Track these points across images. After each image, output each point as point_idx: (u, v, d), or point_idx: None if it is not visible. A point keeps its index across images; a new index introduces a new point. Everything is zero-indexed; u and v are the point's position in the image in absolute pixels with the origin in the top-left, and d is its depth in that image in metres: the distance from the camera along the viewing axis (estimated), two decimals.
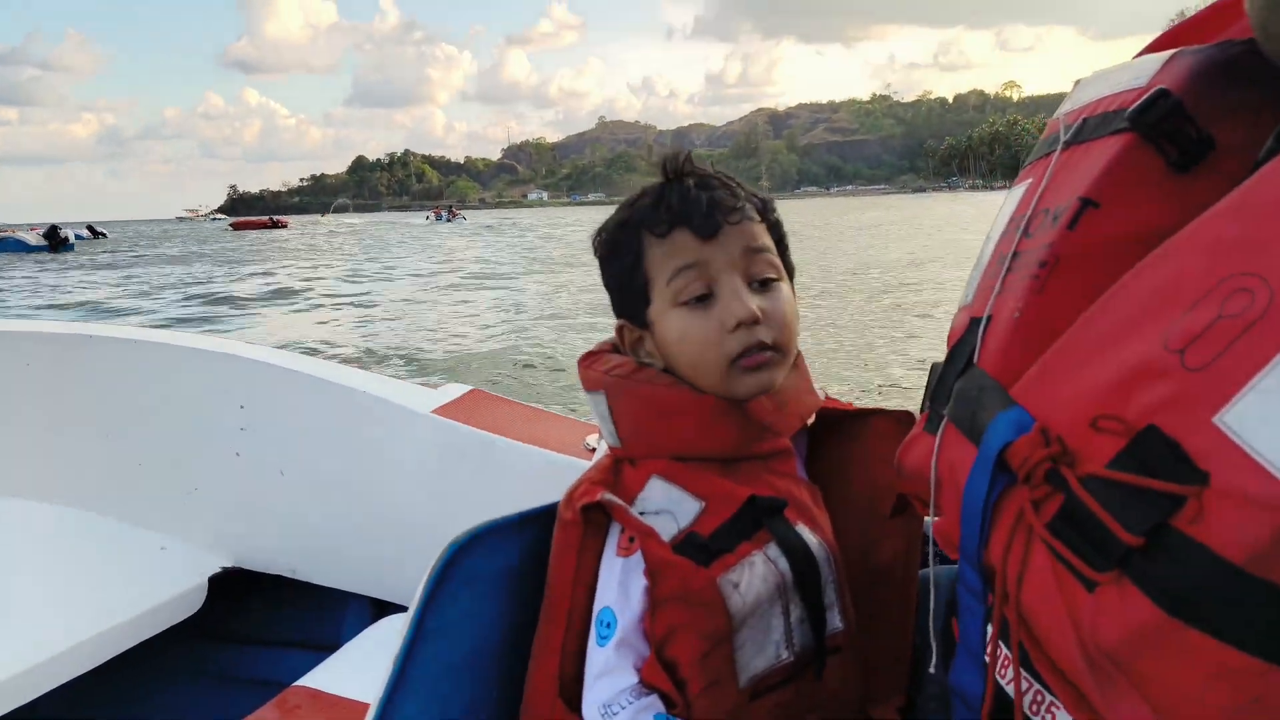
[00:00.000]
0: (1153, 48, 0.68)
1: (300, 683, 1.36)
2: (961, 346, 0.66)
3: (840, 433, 0.92)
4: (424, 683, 0.85)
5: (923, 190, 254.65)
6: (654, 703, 0.77)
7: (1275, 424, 0.42)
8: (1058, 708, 0.57)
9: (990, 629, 0.60)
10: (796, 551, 0.81)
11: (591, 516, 0.81)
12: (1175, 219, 0.52)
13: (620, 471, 0.84)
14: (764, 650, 0.80)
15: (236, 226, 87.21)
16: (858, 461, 0.91)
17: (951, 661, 0.67)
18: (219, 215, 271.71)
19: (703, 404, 0.82)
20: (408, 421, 1.58)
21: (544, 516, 0.90)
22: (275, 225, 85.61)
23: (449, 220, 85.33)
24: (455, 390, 1.71)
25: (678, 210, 0.84)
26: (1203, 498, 0.44)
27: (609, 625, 0.79)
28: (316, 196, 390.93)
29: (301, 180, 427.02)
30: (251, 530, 1.77)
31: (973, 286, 0.69)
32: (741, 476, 0.83)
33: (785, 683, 0.81)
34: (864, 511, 0.89)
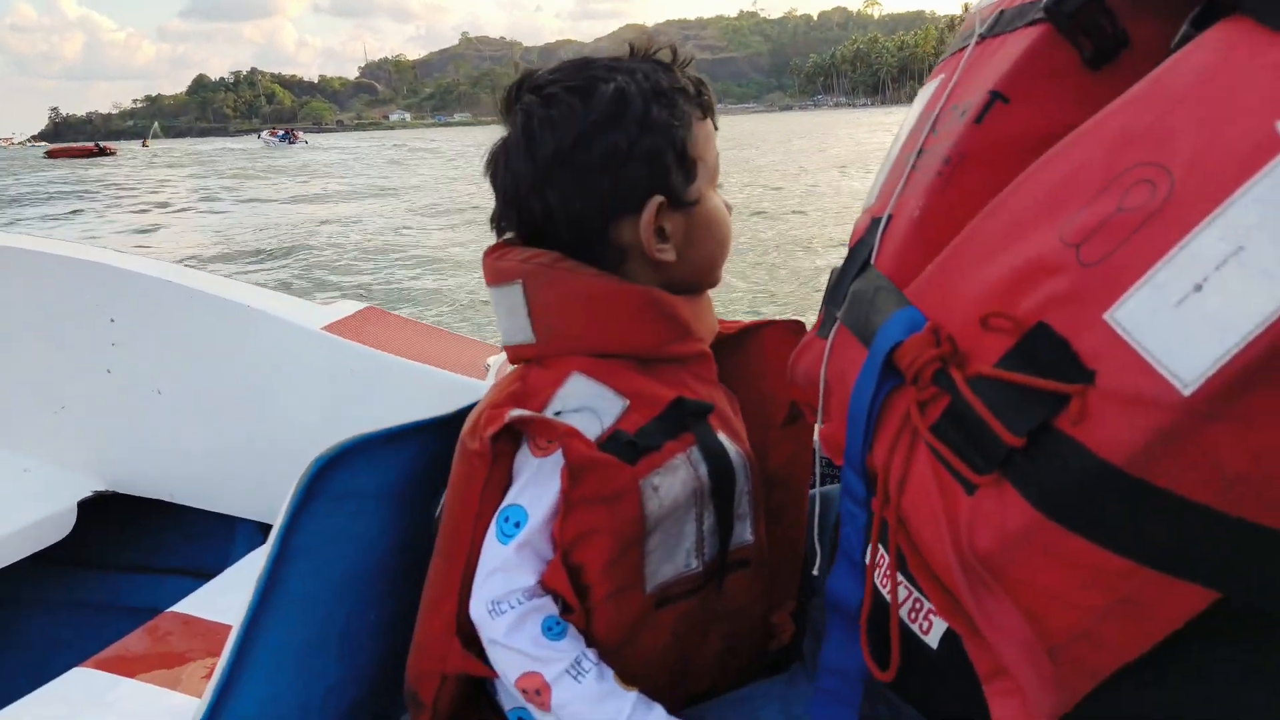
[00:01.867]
0: None
1: (174, 609, 1.30)
2: (860, 248, 0.65)
3: (731, 349, 0.91)
4: (292, 606, 0.82)
5: (789, 108, 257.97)
6: (547, 604, 0.75)
7: (1165, 320, 0.41)
8: (935, 614, 0.60)
9: (870, 534, 0.60)
10: (717, 458, 0.79)
11: (500, 447, 0.76)
12: (1085, 117, 0.50)
13: (528, 378, 0.79)
14: (673, 558, 0.78)
15: (52, 155, 77.81)
16: (748, 374, 0.91)
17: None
18: (38, 142, 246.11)
19: (634, 295, 0.79)
20: (296, 338, 1.48)
21: (422, 431, 0.87)
22: (101, 153, 77.36)
23: (291, 143, 79.54)
24: (348, 307, 1.61)
25: (706, 100, 0.84)
26: (1087, 397, 0.43)
27: (516, 525, 0.76)
28: (153, 120, 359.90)
29: (135, 102, 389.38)
30: (126, 452, 1.66)
31: (877, 187, 0.69)
32: (663, 378, 0.80)
33: (691, 593, 0.80)
34: (755, 422, 0.89)
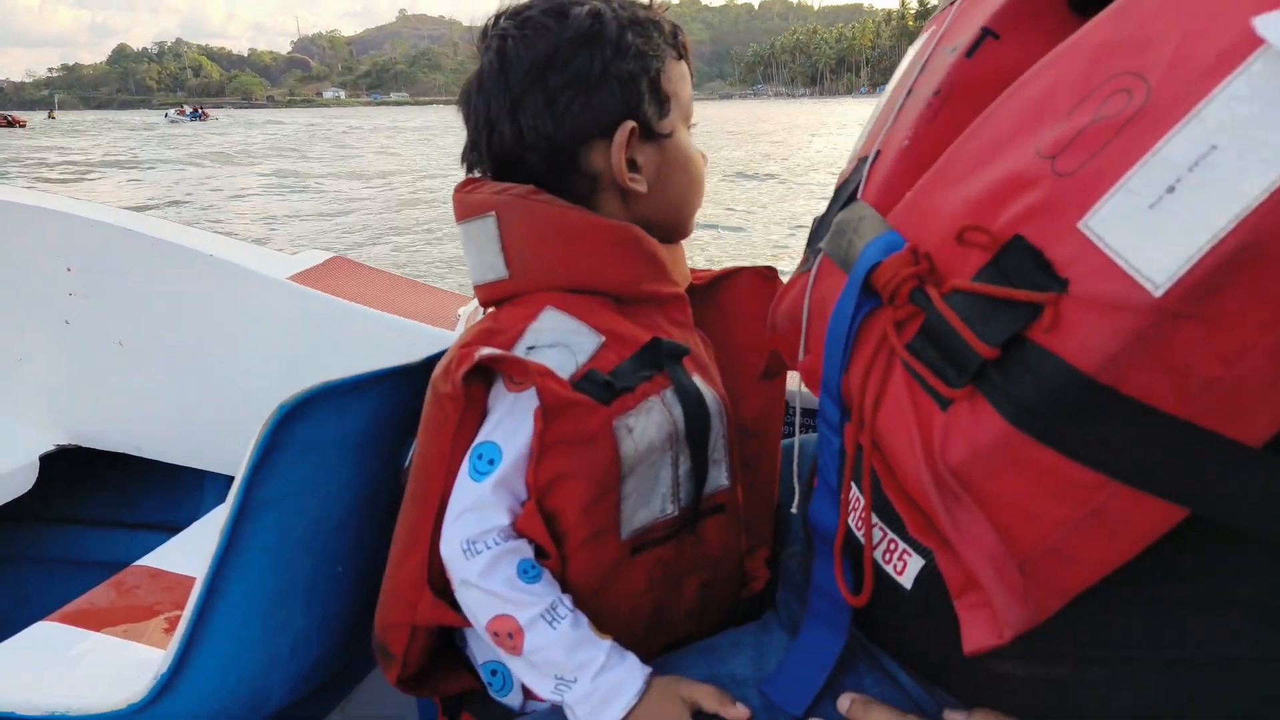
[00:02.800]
0: None
1: (141, 561, 1.28)
2: (845, 186, 0.66)
3: (703, 298, 0.90)
4: (257, 558, 0.81)
5: (729, 97, 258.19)
6: (522, 547, 0.74)
7: (1137, 225, 0.41)
8: (909, 555, 0.60)
9: (847, 459, 0.60)
10: (692, 400, 0.78)
11: (473, 390, 0.74)
12: None
13: (499, 315, 0.78)
14: (649, 502, 0.77)
15: None
16: (721, 321, 0.91)
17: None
18: None
19: (611, 230, 0.77)
20: (261, 288, 1.45)
21: (389, 379, 0.86)
22: (9, 125, 73.43)
23: (201, 119, 76.37)
24: (315, 257, 1.58)
25: (682, 41, 0.83)
26: (1060, 305, 0.43)
27: (490, 462, 0.74)
28: (72, 91, 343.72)
29: (51, 71, 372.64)
30: (88, 405, 1.63)
31: (864, 134, 0.69)
32: (639, 319, 0.79)
33: (667, 539, 0.79)
34: (729, 372, 0.88)
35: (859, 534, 0.63)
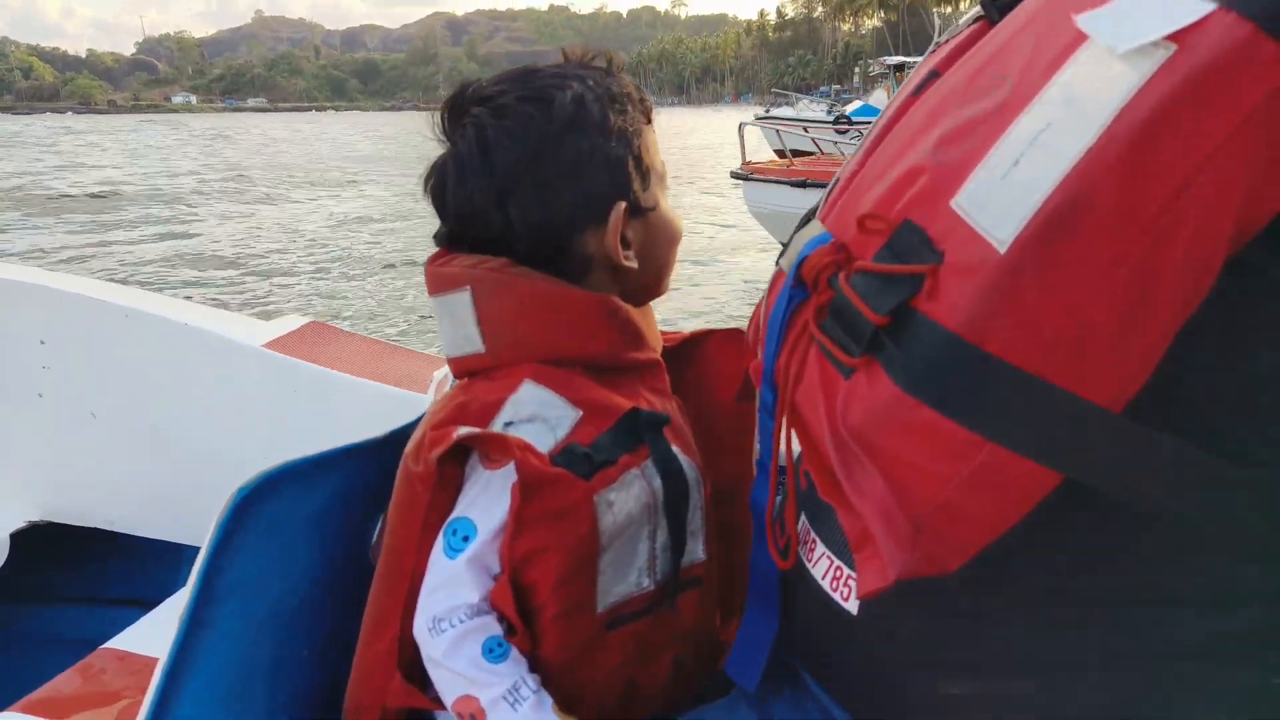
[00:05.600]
0: None
1: (109, 644, 1.25)
2: (812, 211, 0.69)
3: (672, 362, 0.89)
4: (219, 642, 0.79)
5: None
6: (489, 624, 0.73)
7: (992, 194, 0.47)
8: (853, 580, 0.62)
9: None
10: (672, 471, 0.78)
11: (446, 470, 0.73)
12: None
13: (474, 389, 0.77)
14: (626, 576, 0.77)
15: None
16: (693, 385, 0.91)
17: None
18: None
19: (590, 302, 0.77)
20: (236, 357, 1.44)
21: (356, 454, 0.85)
22: None
23: None
24: (291, 323, 1.57)
25: (649, 106, 0.84)
26: (937, 275, 0.48)
27: (465, 539, 0.73)
28: None
29: None
30: (61, 480, 1.60)
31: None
32: (617, 388, 0.79)
33: (642, 614, 0.79)
34: (702, 434, 0.87)
35: (809, 568, 0.66)
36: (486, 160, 0.76)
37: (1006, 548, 0.51)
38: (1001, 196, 0.46)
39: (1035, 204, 0.44)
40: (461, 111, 0.79)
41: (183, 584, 1.33)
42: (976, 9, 0.68)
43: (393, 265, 10.71)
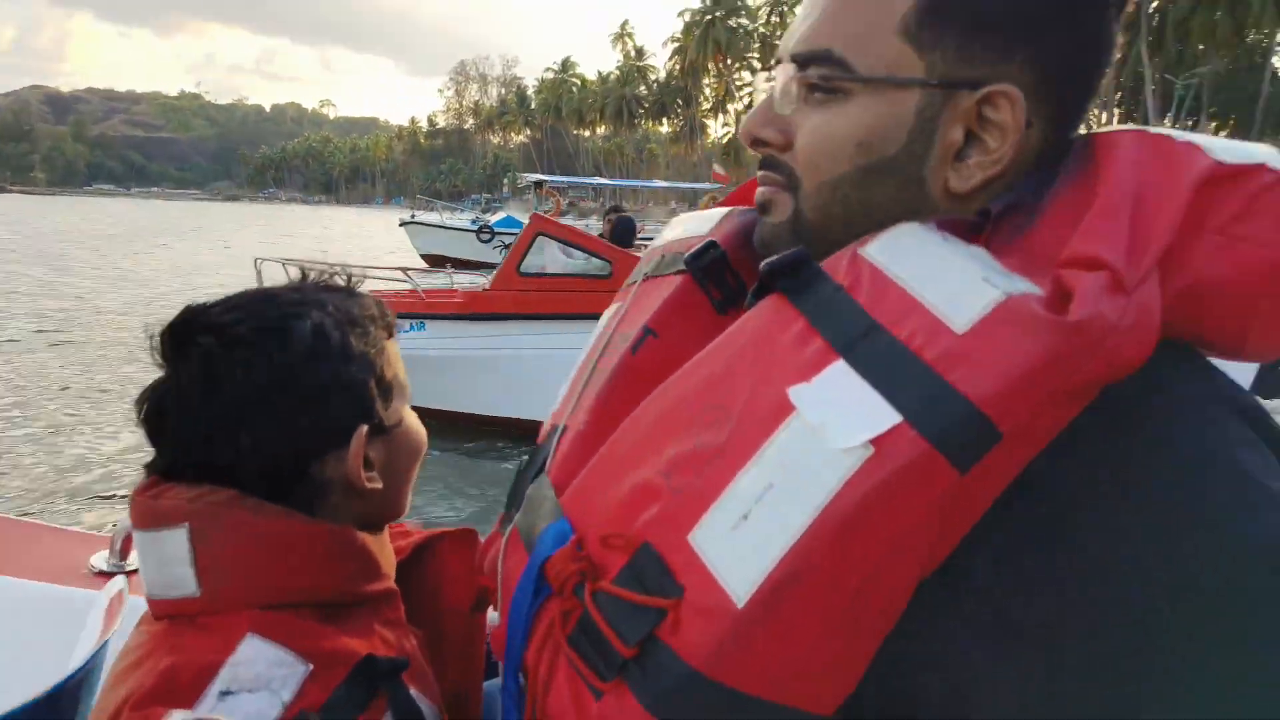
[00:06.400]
0: (729, 200, 0.80)
1: None
2: (539, 453, 0.72)
3: (402, 568, 0.86)
4: None
5: (236, 198, 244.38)
6: None
7: (726, 543, 0.51)
8: None
9: None
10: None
11: None
12: None
13: (183, 643, 0.67)
14: None
15: None
16: (423, 591, 0.87)
17: None
18: None
19: (325, 535, 0.73)
20: None
21: None
22: None
23: None
24: None
25: (390, 321, 0.83)
26: (679, 609, 0.52)
27: None
28: None
29: None
30: None
31: (560, 395, 0.76)
32: (350, 626, 0.72)
33: None
34: (432, 643, 0.85)
35: None
36: (216, 392, 0.71)
37: None
38: (735, 550, 0.51)
39: (766, 569, 0.49)
40: (185, 338, 0.72)
41: None
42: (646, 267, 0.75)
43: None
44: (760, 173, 0.66)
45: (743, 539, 0.51)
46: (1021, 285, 0.50)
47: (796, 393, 0.52)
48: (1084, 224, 0.50)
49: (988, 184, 0.59)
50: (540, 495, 0.67)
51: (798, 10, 0.64)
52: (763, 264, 0.58)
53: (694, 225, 0.77)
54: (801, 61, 0.60)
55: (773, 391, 0.53)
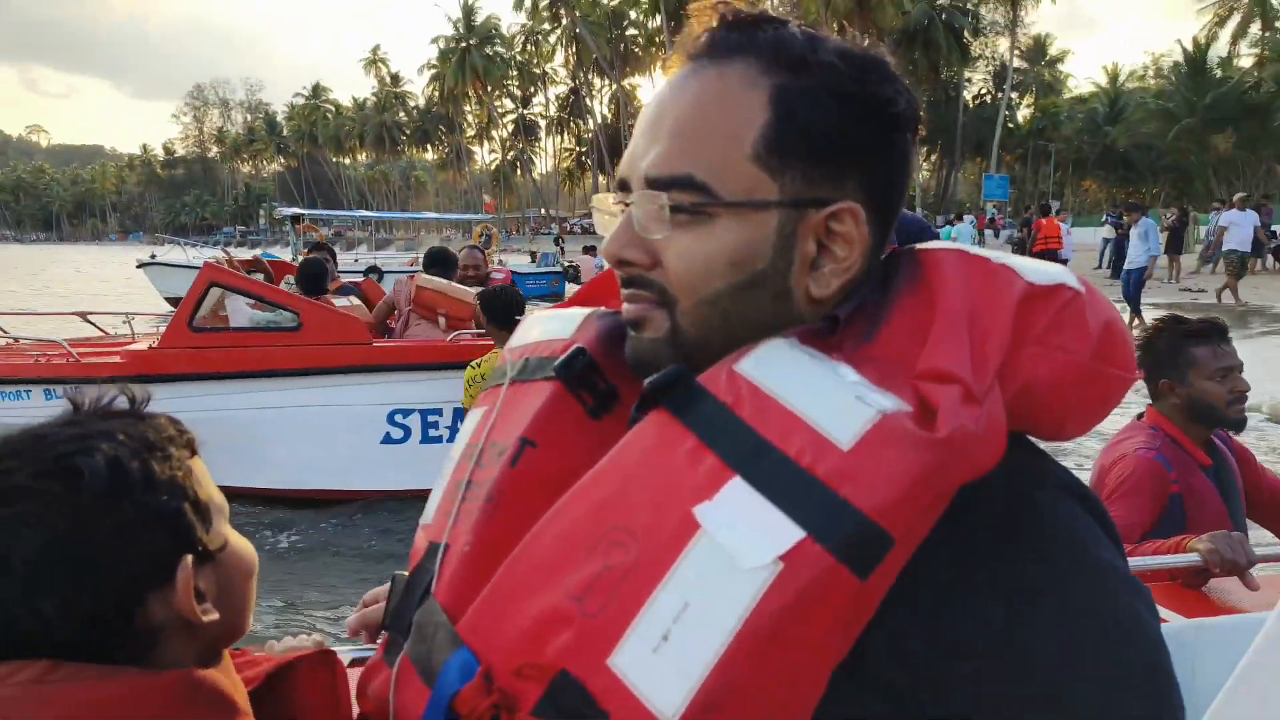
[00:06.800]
0: (578, 298, 0.83)
1: None
2: (421, 573, 0.71)
3: (258, 699, 0.77)
4: None
5: None
6: None
7: (648, 665, 0.52)
8: None
9: None
10: None
11: None
12: (596, 459, 0.62)
13: None
14: None
15: None
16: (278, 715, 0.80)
17: None
18: None
19: (165, 690, 0.65)
20: None
21: None
22: None
23: None
24: None
25: (190, 437, 0.76)
26: None
27: None
28: None
29: None
30: None
31: (432, 506, 0.75)
32: None
33: None
34: None
35: None
36: (2, 561, 0.62)
37: None
38: (659, 671, 0.52)
39: (692, 688, 0.51)
40: None
41: None
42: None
43: None
44: (627, 290, 0.68)
45: (665, 660, 0.52)
46: (890, 402, 0.55)
47: (701, 511, 0.54)
48: (931, 339, 0.58)
49: (843, 289, 0.65)
50: (431, 622, 0.65)
51: (635, 134, 0.67)
52: (646, 382, 0.61)
53: (554, 327, 0.78)
54: (662, 185, 0.63)
55: (675, 510, 0.55)
